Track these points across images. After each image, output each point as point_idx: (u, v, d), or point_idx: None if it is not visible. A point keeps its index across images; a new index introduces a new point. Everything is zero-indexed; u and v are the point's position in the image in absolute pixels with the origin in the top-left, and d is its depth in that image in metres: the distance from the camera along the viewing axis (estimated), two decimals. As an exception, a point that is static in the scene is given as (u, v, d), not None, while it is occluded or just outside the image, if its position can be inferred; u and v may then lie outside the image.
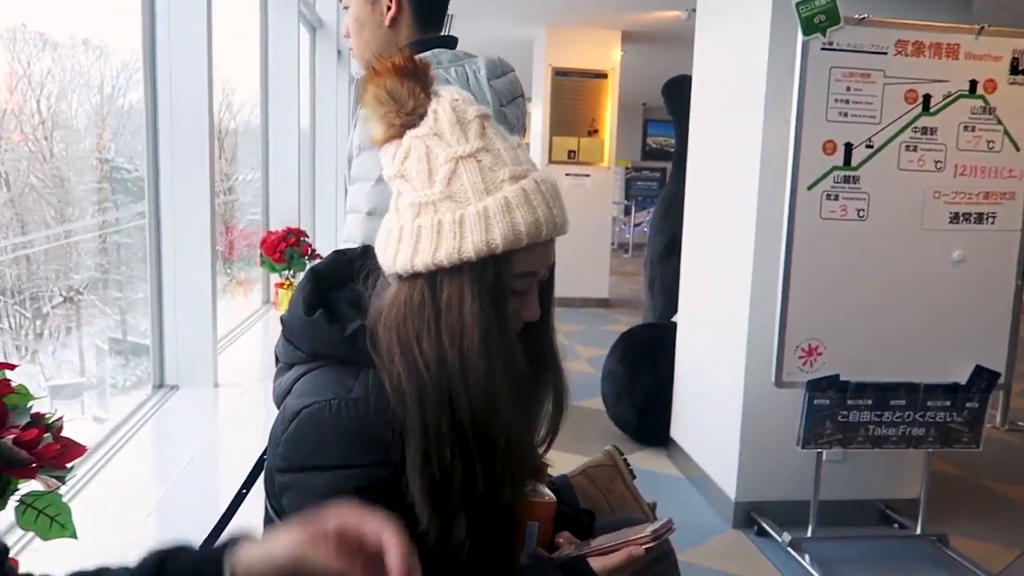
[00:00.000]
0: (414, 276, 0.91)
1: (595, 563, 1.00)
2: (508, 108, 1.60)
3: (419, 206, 0.91)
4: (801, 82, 2.35)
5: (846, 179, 2.42)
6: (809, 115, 2.37)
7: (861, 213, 2.44)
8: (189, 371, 2.55)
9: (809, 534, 2.61)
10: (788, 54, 2.45)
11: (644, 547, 1.01)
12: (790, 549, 2.57)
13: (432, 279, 0.90)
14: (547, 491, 1.14)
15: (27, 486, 1.05)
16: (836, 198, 2.42)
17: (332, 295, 1.02)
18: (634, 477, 1.43)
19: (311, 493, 0.90)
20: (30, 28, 2.63)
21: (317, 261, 1.07)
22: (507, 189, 0.90)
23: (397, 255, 0.92)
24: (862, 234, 2.43)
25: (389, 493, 0.90)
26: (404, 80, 0.91)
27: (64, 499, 1.10)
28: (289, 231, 3.85)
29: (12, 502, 1.04)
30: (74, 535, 1.05)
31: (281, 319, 1.01)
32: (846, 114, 2.39)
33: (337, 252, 1.08)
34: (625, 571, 1.01)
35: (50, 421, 1.10)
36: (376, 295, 0.99)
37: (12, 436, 1.00)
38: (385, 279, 0.99)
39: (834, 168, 2.41)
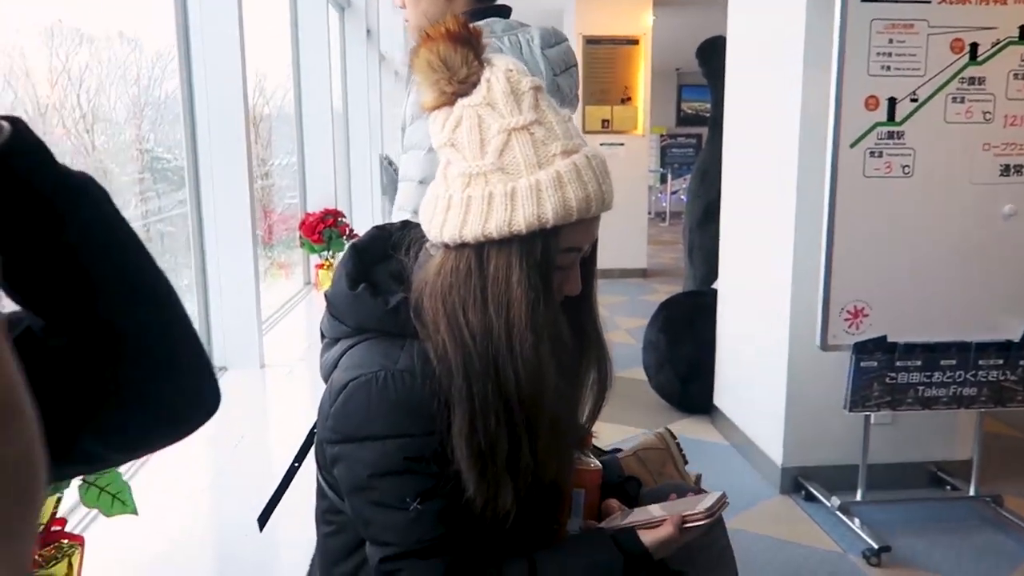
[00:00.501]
0: (461, 246, 0.91)
1: (645, 536, 1.00)
2: (561, 78, 1.59)
3: (469, 176, 0.91)
4: (841, 37, 2.28)
5: (890, 135, 2.35)
6: (850, 70, 2.30)
7: (907, 169, 2.37)
8: (236, 353, 2.61)
9: (858, 498, 2.58)
10: (826, 8, 2.37)
11: (698, 524, 1.01)
12: (839, 513, 2.54)
13: (479, 250, 0.91)
14: (593, 459, 1.15)
15: (89, 466, 1.09)
16: (880, 155, 2.35)
17: (374, 269, 1.03)
18: (686, 462, 1.43)
19: (362, 463, 0.92)
20: (66, 24, 2.68)
21: (357, 238, 1.08)
22: (559, 163, 0.89)
23: (445, 224, 0.92)
24: (908, 191, 2.37)
25: (437, 461, 0.91)
26: (457, 47, 0.90)
27: (124, 478, 1.13)
28: (327, 212, 3.89)
29: (76, 482, 1.08)
30: (135, 511, 1.09)
31: (325, 295, 1.03)
32: (888, 67, 2.32)
33: (377, 227, 1.09)
34: (675, 545, 1.01)
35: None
36: (419, 266, 0.99)
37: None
38: (427, 250, 1.00)
39: (877, 124, 2.34)
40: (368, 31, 5.35)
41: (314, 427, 1.07)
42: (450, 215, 0.91)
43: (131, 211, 3.21)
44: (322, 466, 1.03)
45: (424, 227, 0.96)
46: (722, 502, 1.04)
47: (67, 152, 2.89)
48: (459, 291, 0.91)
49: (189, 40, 2.52)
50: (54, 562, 1.07)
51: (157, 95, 3.19)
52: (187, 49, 2.53)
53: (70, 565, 1.10)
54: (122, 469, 1.18)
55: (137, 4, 2.88)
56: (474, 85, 0.91)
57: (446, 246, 0.93)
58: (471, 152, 0.90)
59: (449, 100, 0.92)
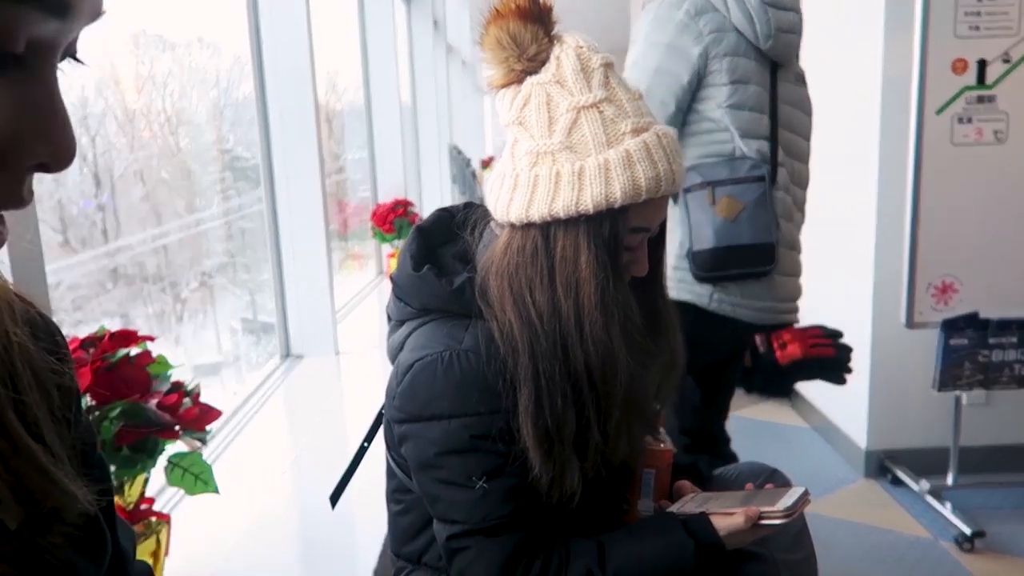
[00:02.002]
0: (528, 226, 0.91)
1: (718, 523, 0.98)
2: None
3: (536, 155, 0.90)
4: (923, -3, 2.16)
5: (980, 99, 2.22)
6: (935, 32, 2.18)
7: (999, 135, 2.23)
8: (312, 341, 2.69)
9: (950, 482, 2.46)
10: (908, -35, 2.25)
11: (774, 522, 0.97)
12: (929, 498, 2.43)
13: (546, 229, 0.90)
14: (666, 439, 1.13)
15: (173, 448, 1.15)
16: (969, 121, 2.22)
17: (439, 251, 1.03)
18: None
19: (429, 442, 0.93)
20: (150, 32, 2.80)
21: (421, 221, 1.09)
22: (628, 142, 0.88)
23: (511, 203, 0.91)
24: (1000, 158, 2.23)
25: (503, 439, 0.91)
26: (527, 23, 0.88)
27: (207, 460, 1.18)
28: (397, 202, 3.95)
29: (161, 462, 1.13)
30: (216, 490, 1.14)
31: (391, 277, 1.04)
32: (978, 28, 2.18)
33: (441, 209, 1.09)
34: (747, 539, 0.98)
35: (188, 388, 1.19)
36: (484, 245, 0.99)
37: (155, 401, 1.08)
38: (492, 229, 1.00)
39: (966, 88, 2.21)
40: (435, 22, 5.39)
41: (383, 408, 1.09)
42: (516, 194, 0.91)
43: (214, 209, 3.35)
44: (390, 446, 1.05)
45: (490, 206, 0.96)
46: (804, 500, 0.99)
47: (154, 154, 3.03)
48: (525, 271, 0.91)
49: (261, 43, 2.59)
50: (143, 538, 1.12)
51: (235, 97, 3.30)
52: (259, 51, 2.60)
53: (158, 541, 1.16)
54: (205, 452, 1.23)
55: (215, 10, 2.99)
56: (543, 63, 0.90)
57: (512, 225, 0.93)
58: (539, 131, 0.89)
59: (518, 78, 0.91)
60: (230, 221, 3.49)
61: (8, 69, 0.31)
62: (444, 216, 1.07)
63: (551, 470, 0.91)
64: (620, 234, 0.90)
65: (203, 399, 1.21)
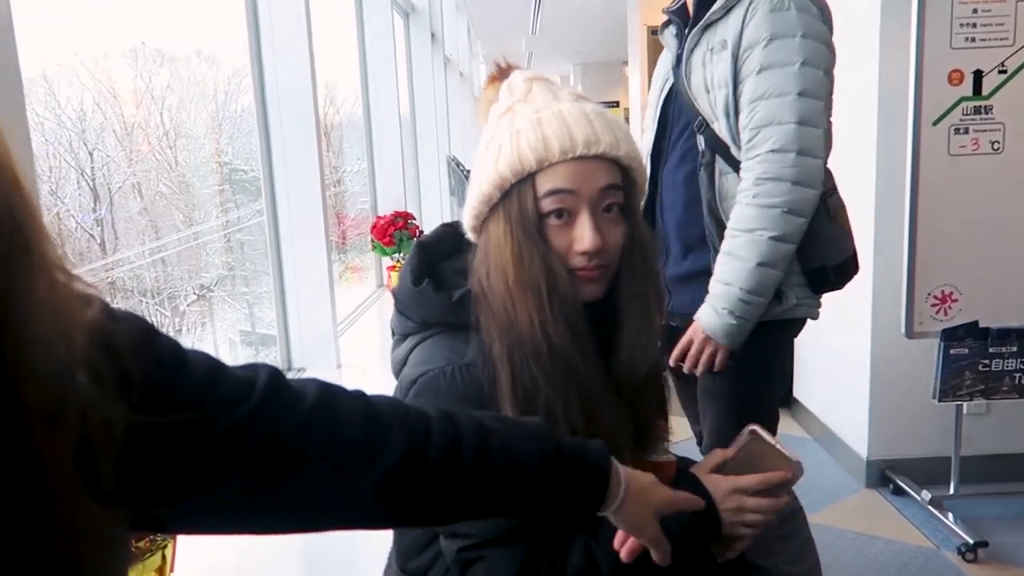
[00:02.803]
0: (478, 231, 0.98)
1: (724, 482, 0.96)
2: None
3: (476, 164, 0.98)
4: (920, 8, 2.18)
5: (977, 110, 2.23)
6: (931, 43, 2.19)
7: (996, 145, 2.24)
8: (313, 354, 2.69)
9: (951, 492, 2.46)
10: (903, -23, 2.27)
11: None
12: (931, 508, 2.43)
13: (484, 227, 0.96)
14: (670, 452, 1.13)
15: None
16: (966, 131, 2.24)
17: (440, 266, 1.04)
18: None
19: None
20: (149, 45, 2.82)
21: (423, 235, 1.09)
22: (543, 113, 0.93)
23: (464, 215, 0.99)
24: (998, 168, 2.24)
25: None
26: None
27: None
28: (397, 215, 3.96)
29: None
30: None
31: (392, 292, 1.04)
32: (973, 39, 2.20)
33: (445, 224, 1.10)
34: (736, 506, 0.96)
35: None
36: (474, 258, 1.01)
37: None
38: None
39: (962, 99, 2.23)
40: (432, 35, 5.42)
41: None
42: (465, 206, 0.99)
43: (213, 222, 3.35)
44: None
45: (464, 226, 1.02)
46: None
47: (152, 168, 3.04)
48: (484, 269, 0.95)
49: (261, 56, 2.61)
50: (148, 555, 1.12)
51: (233, 110, 3.31)
52: (259, 64, 2.61)
53: (164, 558, 1.15)
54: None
55: (213, 23, 3.00)
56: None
57: (476, 234, 0.99)
58: (481, 149, 0.98)
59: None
60: (229, 234, 3.49)
61: None
62: (447, 231, 1.08)
63: None
64: (530, 202, 0.92)
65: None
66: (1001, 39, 2.20)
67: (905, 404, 2.62)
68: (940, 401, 2.32)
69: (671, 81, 1.58)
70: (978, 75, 2.22)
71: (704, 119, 1.49)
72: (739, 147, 1.46)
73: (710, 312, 1.45)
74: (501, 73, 1.02)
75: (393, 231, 3.86)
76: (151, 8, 2.74)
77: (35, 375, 0.34)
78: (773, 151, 1.39)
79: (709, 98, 1.48)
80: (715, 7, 1.47)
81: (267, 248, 2.72)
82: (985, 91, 2.22)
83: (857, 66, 2.65)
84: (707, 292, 1.47)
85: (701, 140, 1.50)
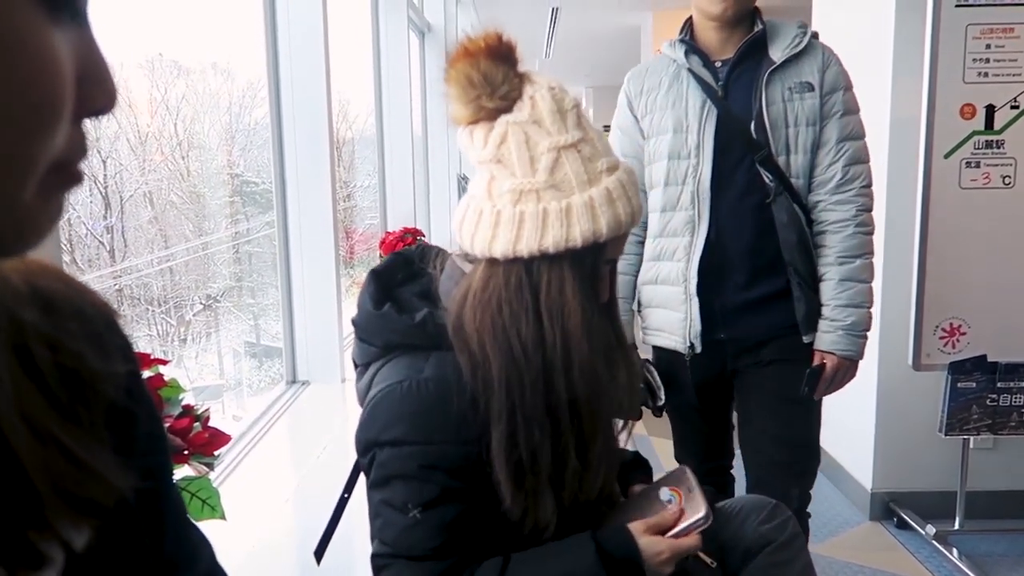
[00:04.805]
0: (512, 260, 0.92)
1: (640, 535, 0.96)
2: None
3: (520, 192, 0.92)
4: (933, 42, 2.19)
5: (988, 144, 2.24)
6: (943, 77, 2.21)
7: (1007, 180, 2.25)
8: (318, 368, 2.69)
9: (956, 526, 2.43)
10: (917, 13, 2.29)
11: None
12: (935, 542, 2.40)
13: (530, 264, 0.92)
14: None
15: (180, 472, 1.14)
16: (977, 165, 2.24)
17: (398, 291, 1.05)
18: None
19: (382, 465, 0.93)
20: (166, 57, 2.85)
21: (376, 265, 1.10)
22: (607, 180, 0.93)
23: (495, 239, 0.92)
24: (1009, 202, 2.25)
25: (452, 472, 0.92)
26: (498, 62, 0.91)
27: (214, 484, 1.18)
28: (406, 231, 3.97)
29: (169, 486, 1.13)
30: (223, 517, 1.13)
31: (352, 321, 1.04)
32: (986, 74, 2.21)
33: (395, 253, 1.12)
34: (668, 550, 0.96)
35: (198, 412, 1.19)
36: (449, 278, 1.01)
37: (167, 425, 1.08)
38: (456, 264, 1.01)
39: (974, 133, 2.23)
40: (447, 54, 5.46)
41: (359, 459, 1.08)
42: (500, 230, 0.92)
43: (222, 233, 3.37)
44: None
45: (465, 241, 0.96)
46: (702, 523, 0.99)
47: (164, 177, 3.06)
48: (511, 304, 0.92)
49: (279, 70, 2.63)
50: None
51: (247, 122, 3.34)
52: (276, 79, 2.64)
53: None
54: (212, 475, 1.22)
55: (229, 36, 3.03)
56: (514, 101, 0.92)
57: (492, 261, 0.94)
58: (521, 169, 0.92)
59: (489, 115, 0.92)
60: (237, 245, 3.51)
61: (65, 15, 0.31)
62: (399, 260, 1.09)
63: (522, 502, 0.93)
64: (599, 266, 0.95)
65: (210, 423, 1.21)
66: (1014, 75, 2.21)
67: (911, 437, 2.60)
68: (946, 435, 2.30)
69: (714, 111, 1.58)
70: (990, 110, 2.23)
71: (768, 152, 1.55)
72: (803, 180, 1.58)
73: (849, 339, 1.58)
74: (498, 47, 0.91)
75: (401, 247, 3.87)
76: (170, 20, 2.77)
77: None
78: (865, 186, 1.59)
79: (789, 132, 1.56)
80: (785, 51, 1.57)
81: (276, 260, 2.73)
82: (997, 126, 2.23)
83: (870, 98, 2.66)
84: (778, 314, 1.59)
85: (762, 171, 1.56)
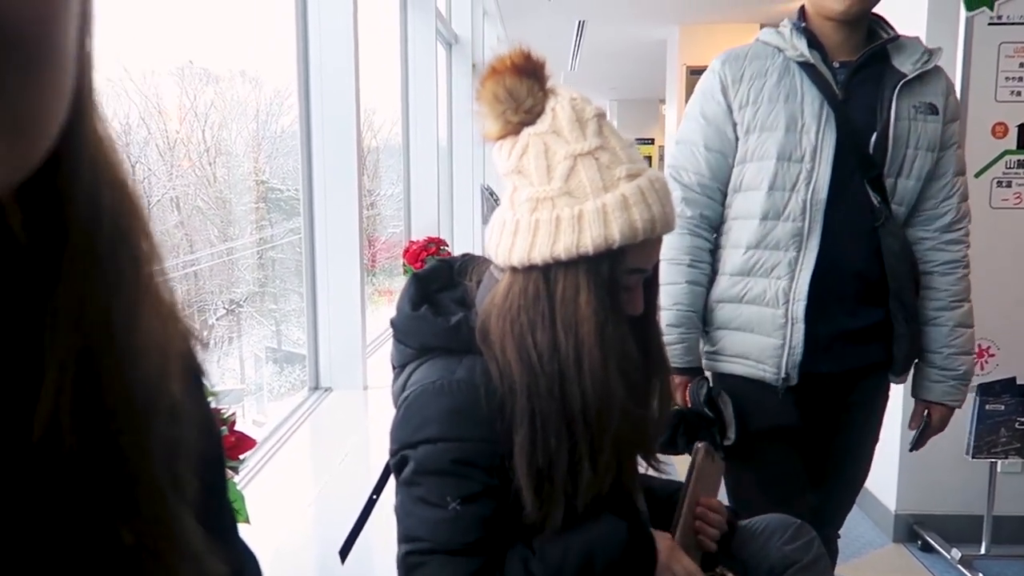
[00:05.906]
0: (529, 268, 0.93)
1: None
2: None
3: (536, 201, 0.93)
4: (965, 61, 2.17)
5: (1020, 163, 2.21)
6: (975, 96, 2.18)
7: (1038, 200, 2.21)
8: (341, 375, 2.70)
9: (983, 551, 2.39)
10: (949, 30, 2.27)
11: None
12: (960, 567, 2.36)
13: (547, 271, 0.93)
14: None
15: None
16: (1009, 184, 2.22)
17: (437, 296, 1.06)
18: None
19: (414, 462, 0.94)
20: (196, 64, 2.90)
21: (419, 269, 1.12)
22: (624, 186, 0.91)
23: (513, 248, 0.94)
24: (1040, 223, 2.21)
25: (487, 470, 0.92)
26: (523, 78, 0.93)
27: (238, 488, 1.19)
28: (430, 240, 3.99)
29: (195, 488, 1.14)
30: (247, 520, 1.14)
31: (391, 322, 1.06)
32: (1019, 92, 2.19)
33: (439, 260, 1.13)
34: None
35: (225, 416, 1.20)
36: (484, 289, 1.02)
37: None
38: (493, 274, 1.02)
39: (1006, 152, 2.21)
40: (474, 66, 5.50)
41: (389, 460, 1.09)
42: (518, 239, 0.93)
43: (247, 238, 3.40)
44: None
45: (491, 251, 0.99)
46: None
47: (191, 183, 3.11)
48: (527, 312, 0.93)
49: (309, 79, 2.66)
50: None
51: (273, 130, 3.39)
52: (306, 88, 2.67)
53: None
54: (236, 479, 1.24)
55: (258, 45, 3.08)
56: (539, 114, 0.93)
57: (513, 269, 0.95)
58: (538, 177, 0.93)
59: (515, 129, 0.94)
60: (261, 251, 3.55)
61: None
62: (442, 266, 1.11)
63: (539, 508, 0.93)
64: (618, 274, 0.93)
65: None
66: (1047, 94, 2.19)
67: (937, 458, 2.55)
68: (974, 457, 2.27)
69: (832, 116, 1.39)
70: (1022, 129, 2.20)
71: (881, 172, 1.40)
72: (905, 208, 1.44)
73: (960, 390, 1.51)
74: (524, 64, 0.92)
75: (425, 256, 3.89)
76: (201, 28, 2.82)
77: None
78: (969, 225, 1.52)
79: (907, 153, 1.41)
80: (916, 66, 1.42)
81: (302, 267, 2.76)
82: (1029, 145, 2.20)
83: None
84: (873, 352, 1.46)
85: (870, 192, 1.41)
